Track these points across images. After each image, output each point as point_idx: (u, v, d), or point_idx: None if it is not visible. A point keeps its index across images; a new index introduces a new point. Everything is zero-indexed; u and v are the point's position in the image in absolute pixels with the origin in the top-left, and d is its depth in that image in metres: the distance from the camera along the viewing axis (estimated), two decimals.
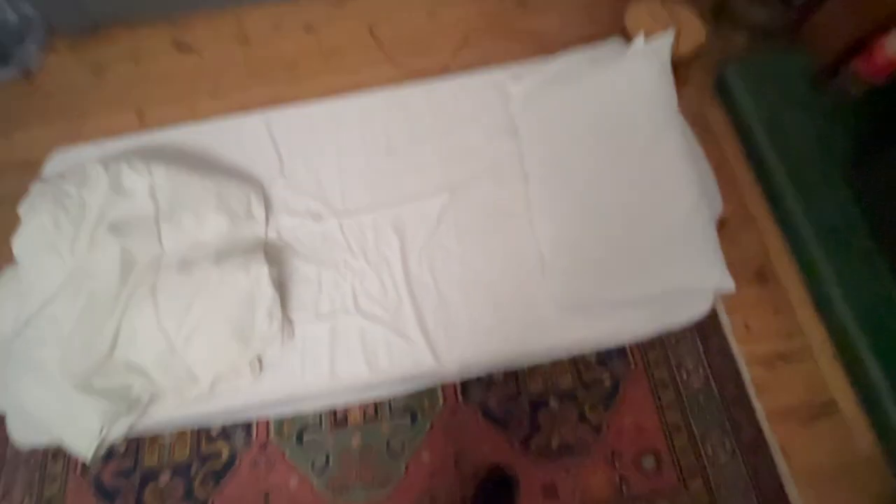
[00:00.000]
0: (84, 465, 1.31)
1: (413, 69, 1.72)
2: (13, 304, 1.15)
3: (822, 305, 1.38)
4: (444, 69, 1.72)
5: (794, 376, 1.32)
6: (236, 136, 1.45)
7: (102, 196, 1.17)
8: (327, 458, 1.28)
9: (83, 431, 1.06)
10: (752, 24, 1.66)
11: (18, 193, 1.64)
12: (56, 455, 1.33)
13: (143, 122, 1.71)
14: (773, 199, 1.51)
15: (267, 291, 1.15)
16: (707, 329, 1.36)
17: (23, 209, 1.15)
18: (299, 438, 1.30)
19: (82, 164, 1.23)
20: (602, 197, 1.15)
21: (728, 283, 1.05)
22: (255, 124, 1.46)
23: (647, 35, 1.21)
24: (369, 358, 1.17)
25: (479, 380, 1.34)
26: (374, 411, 1.32)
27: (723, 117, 1.65)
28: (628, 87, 1.15)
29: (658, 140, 1.11)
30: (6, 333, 1.14)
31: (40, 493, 1.29)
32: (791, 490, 1.21)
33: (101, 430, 1.05)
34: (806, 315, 1.38)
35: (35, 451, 1.34)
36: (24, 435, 1.16)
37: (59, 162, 1.45)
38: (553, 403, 1.30)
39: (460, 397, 1.32)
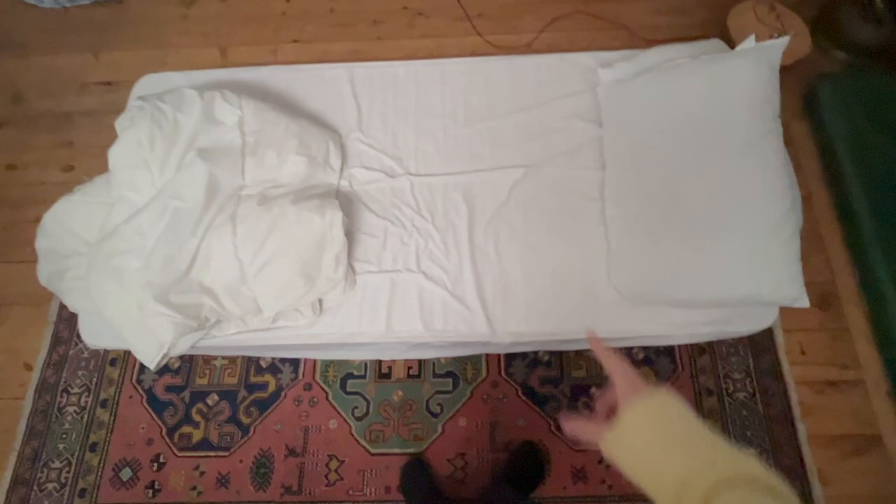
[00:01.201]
0: (139, 374, 1.39)
1: (497, 43, 1.71)
2: (101, 213, 1.21)
3: (884, 340, 1.34)
4: (527, 47, 1.70)
5: (843, 406, 1.30)
6: (318, 84, 1.47)
7: (195, 121, 1.21)
8: (368, 406, 1.32)
9: (153, 340, 1.12)
10: (855, 40, 1.59)
11: (100, 110, 1.71)
12: (115, 361, 1.41)
13: (226, 59, 1.75)
14: (848, 223, 1.46)
15: (338, 237, 1.18)
16: (760, 345, 1.34)
17: (121, 123, 1.20)
18: (343, 384, 1.35)
19: (177, 89, 1.27)
20: (684, 194, 1.14)
21: (803, 301, 1.04)
22: (337, 75, 1.48)
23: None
24: (425, 317, 1.20)
25: (523, 357, 1.35)
26: (418, 370, 1.35)
27: (806, 133, 1.59)
28: (731, 87, 1.12)
29: (755, 145, 1.08)
30: (92, 239, 1.20)
31: (97, 393, 1.37)
32: None
33: (172, 342, 1.10)
34: (865, 348, 1.35)
35: (96, 355, 1.42)
36: (94, 336, 1.23)
37: (147, 85, 1.50)
38: (594, 392, 1.31)
39: (503, 371, 1.34)
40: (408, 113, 1.41)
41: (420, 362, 1.36)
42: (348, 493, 1.25)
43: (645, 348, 1.34)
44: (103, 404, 1.36)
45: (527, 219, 1.27)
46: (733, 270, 1.05)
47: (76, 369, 1.41)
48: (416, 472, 1.26)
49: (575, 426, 0.50)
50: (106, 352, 1.41)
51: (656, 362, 1.34)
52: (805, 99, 1.62)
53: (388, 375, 1.35)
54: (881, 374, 1.33)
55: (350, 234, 1.27)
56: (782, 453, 1.25)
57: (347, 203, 1.31)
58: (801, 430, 1.27)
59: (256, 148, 1.23)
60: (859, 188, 1.45)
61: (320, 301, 1.22)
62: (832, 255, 1.45)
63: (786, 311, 1.16)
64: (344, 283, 1.20)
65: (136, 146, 1.16)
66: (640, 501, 1.26)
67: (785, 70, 1.44)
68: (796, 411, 1.28)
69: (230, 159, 1.20)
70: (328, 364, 1.37)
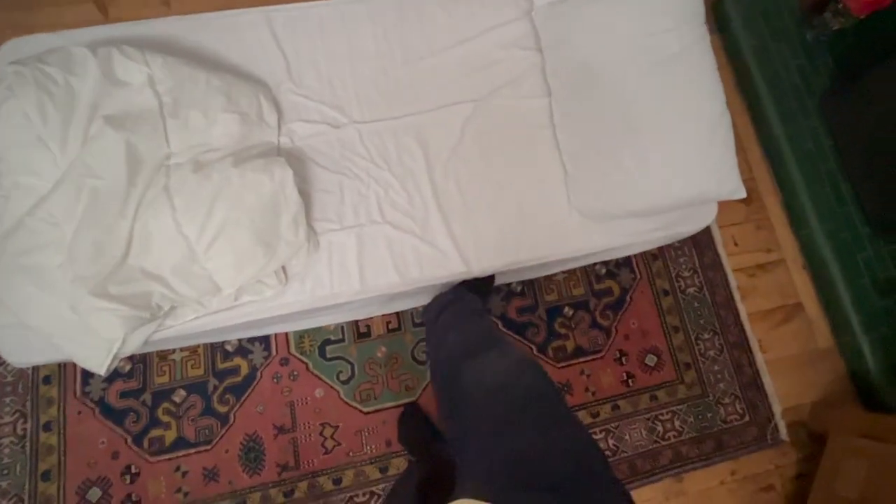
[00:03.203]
0: (83, 387, 1.23)
1: None
2: None
3: (797, 223, 1.54)
4: None
5: (770, 284, 1.49)
6: (231, 34, 1.30)
7: (94, 84, 1.02)
8: (353, 368, 1.29)
9: (99, 341, 0.98)
10: None
11: None
12: (49, 378, 1.23)
13: (107, 15, 1.49)
14: (760, 124, 1.62)
15: (292, 196, 1.09)
16: (702, 243, 1.48)
17: None
18: (321, 352, 1.30)
19: (59, 48, 1.06)
20: (628, 108, 1.18)
21: (741, 192, 1.14)
22: (253, 21, 1.31)
23: None
24: (399, 267, 1.17)
25: (497, 290, 1.38)
26: (397, 323, 1.33)
27: (717, 45, 1.72)
28: (658, 1, 1.16)
29: (687, 52, 1.14)
30: None
31: (36, 416, 1.20)
32: (765, 377, 1.40)
33: (122, 339, 0.98)
34: (783, 232, 1.54)
35: (22, 375, 1.23)
36: (20, 353, 1.06)
37: (12, 51, 1.23)
38: (567, 311, 1.38)
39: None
40: (341, 57, 1.31)
41: (398, 315, 1.34)
42: (348, 456, 1.24)
43: (605, 263, 1.43)
44: (47, 427, 1.20)
45: (483, 154, 1.26)
46: (682, 173, 1.13)
47: (1, 396, 1.21)
48: (412, 418, 1.26)
49: None
50: (35, 370, 1.23)
51: (618, 274, 1.43)
52: (714, 12, 1.73)
53: (367, 334, 1.32)
54: (797, 251, 1.53)
55: (304, 194, 1.18)
56: (729, 332, 1.42)
57: (294, 161, 1.21)
58: (742, 310, 1.44)
59: (177, 109, 1.08)
60: (766, 90, 1.60)
61: (284, 269, 1.14)
62: (749, 154, 1.61)
63: (719, 210, 1.28)
64: (307, 245, 1.13)
65: (23, 120, 0.97)
66: (619, 398, 1.36)
67: None
68: (736, 295, 1.45)
69: (148, 124, 1.04)
70: (302, 334, 1.30)
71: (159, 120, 1.06)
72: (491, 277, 1.28)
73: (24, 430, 1.19)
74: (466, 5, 1.38)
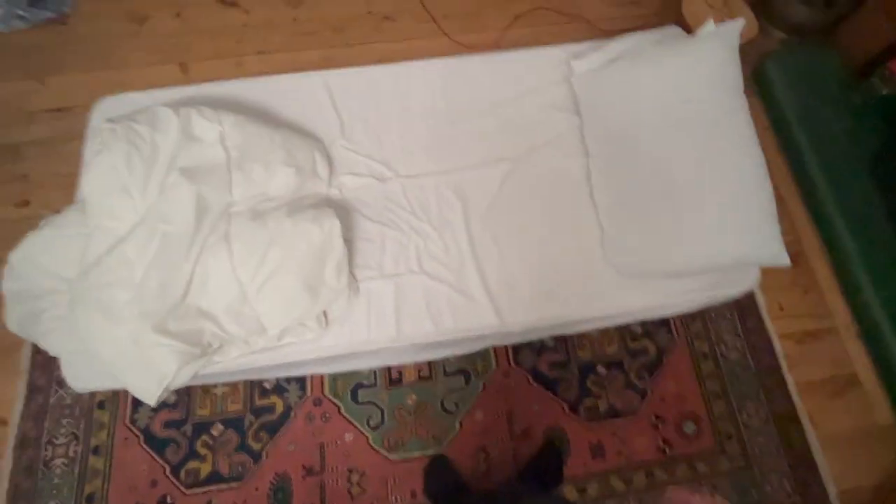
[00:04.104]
0: (133, 414, 1.30)
1: (464, 42, 1.74)
2: (76, 246, 1.13)
3: (849, 288, 1.47)
4: (494, 45, 1.74)
5: (821, 352, 1.41)
6: (294, 95, 1.44)
7: (174, 140, 1.15)
8: (382, 414, 1.30)
9: (154, 373, 1.05)
10: (791, 21, 1.74)
11: (53, 138, 1.60)
12: (103, 403, 1.31)
13: (188, 75, 1.68)
14: (805, 186, 1.59)
15: (338, 245, 1.16)
16: (744, 307, 1.44)
17: (91, 149, 1.13)
18: (354, 395, 1.32)
19: (148, 108, 1.20)
20: (666, 172, 1.20)
21: (783, 257, 1.12)
22: (313, 83, 1.45)
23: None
24: (434, 316, 1.20)
25: (530, 345, 1.38)
26: (429, 371, 1.35)
27: (758, 107, 1.72)
28: (698, 68, 1.20)
29: (726, 120, 1.16)
30: (69, 274, 1.12)
31: (87, 440, 1.28)
32: (818, 454, 1.30)
33: (175, 373, 1.05)
34: (833, 297, 1.48)
35: (80, 400, 1.32)
36: (81, 379, 1.15)
37: (107, 108, 1.41)
38: (601, 370, 1.36)
39: (512, 361, 1.37)
40: (390, 116, 1.41)
41: (430, 364, 1.36)
42: None
43: (643, 323, 1.41)
44: (95, 451, 1.27)
45: (521, 209, 1.30)
46: (719, 236, 1.12)
47: (59, 418, 1.30)
48: (439, 470, 1.25)
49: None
50: (92, 395, 1.32)
51: (655, 335, 1.40)
52: (754, 76, 1.75)
53: (398, 381, 1.34)
54: (850, 318, 1.46)
55: (348, 242, 1.25)
56: (776, 402, 1.35)
57: (341, 211, 1.29)
58: (790, 379, 1.37)
59: (242, 162, 1.19)
60: (811, 154, 1.58)
61: (325, 313, 1.19)
62: (794, 216, 1.57)
63: (763, 273, 1.25)
64: (348, 291, 1.18)
65: (112, 171, 1.10)
66: (654, 466, 1.31)
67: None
68: (783, 363, 1.38)
69: (216, 176, 1.16)
70: (336, 377, 1.34)
71: (226, 172, 1.17)
72: (560, 474, 1.26)
73: (76, 452, 1.27)
74: (510, 69, 1.47)
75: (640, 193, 1.24)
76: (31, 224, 1.20)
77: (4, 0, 1.61)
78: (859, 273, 1.44)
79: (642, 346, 1.39)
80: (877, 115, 1.61)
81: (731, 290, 1.26)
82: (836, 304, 1.47)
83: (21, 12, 1.66)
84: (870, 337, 1.42)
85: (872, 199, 1.52)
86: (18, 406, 1.31)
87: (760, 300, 1.45)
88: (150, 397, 1.08)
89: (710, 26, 1.24)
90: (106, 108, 1.42)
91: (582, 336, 1.39)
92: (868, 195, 1.52)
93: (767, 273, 1.36)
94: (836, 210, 1.50)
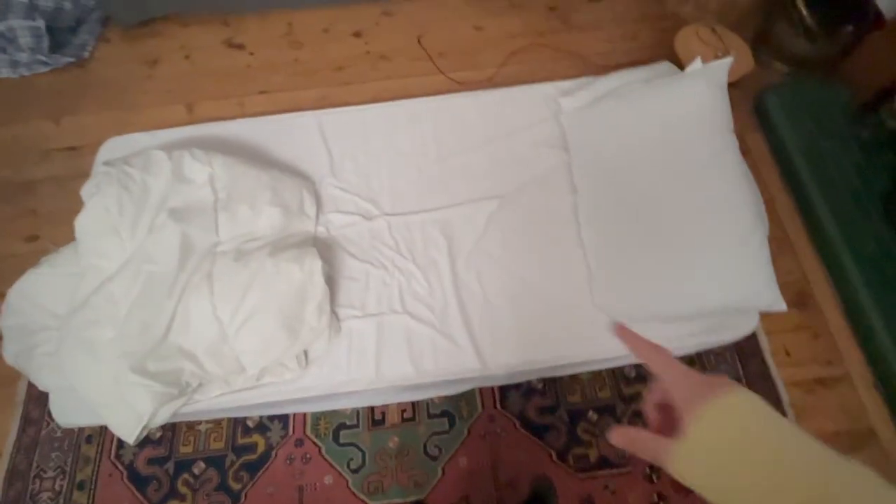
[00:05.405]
0: (118, 449, 1.31)
1: (459, 80, 1.76)
2: (70, 284, 1.17)
3: (862, 334, 1.38)
4: (489, 81, 1.76)
5: (833, 403, 1.32)
6: (288, 133, 1.48)
7: (165, 182, 1.19)
8: (364, 457, 1.27)
9: (132, 413, 1.06)
10: (793, 54, 1.70)
11: (63, 176, 1.68)
12: (91, 438, 1.33)
13: (193, 115, 1.75)
14: (813, 225, 1.52)
15: (319, 285, 1.16)
16: (746, 351, 1.36)
17: (87, 190, 1.18)
18: (336, 436, 1.30)
19: (143, 150, 1.26)
20: (654, 212, 1.17)
21: (780, 305, 1.06)
22: (307, 123, 1.49)
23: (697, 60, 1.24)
24: (415, 358, 1.18)
25: (517, 388, 1.34)
26: (412, 413, 1.32)
27: (761, 142, 1.67)
28: (685, 107, 1.18)
29: (715, 160, 1.13)
30: (62, 312, 1.15)
31: (73, 474, 1.29)
32: None
33: (151, 413, 1.05)
34: (845, 342, 1.38)
35: (70, 433, 1.34)
36: (67, 415, 1.17)
37: (113, 148, 1.48)
38: (592, 416, 1.30)
39: (498, 404, 1.32)
40: (379, 154, 1.43)
41: (413, 404, 1.33)
42: None
43: (636, 366, 1.35)
44: (80, 486, 1.28)
45: (506, 248, 1.28)
46: (709, 282, 1.08)
47: (49, 451, 1.32)
48: None
49: (626, 437, 0.40)
50: (81, 429, 1.33)
51: (649, 380, 1.33)
52: (755, 111, 1.71)
53: (381, 422, 1.31)
54: (864, 366, 1.36)
55: (331, 280, 1.25)
56: None
57: (326, 248, 1.30)
58: None
59: (229, 203, 1.22)
60: (818, 191, 1.52)
61: (305, 353, 1.19)
62: (801, 256, 1.50)
63: (766, 314, 1.18)
64: (328, 331, 1.18)
65: (103, 213, 1.14)
66: None
67: (733, 86, 1.52)
68: (790, 413, 1.29)
69: (203, 217, 1.19)
70: (319, 416, 1.32)
71: (213, 213, 1.20)
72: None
73: (61, 486, 1.28)
74: (499, 107, 1.48)
75: (628, 233, 1.20)
76: (37, 259, 1.25)
77: (28, 47, 1.73)
78: (872, 317, 1.35)
79: (636, 392, 1.32)
80: (887, 151, 1.54)
81: (728, 335, 1.20)
82: (849, 350, 1.38)
83: (43, 58, 1.77)
84: (887, 387, 1.32)
85: (884, 238, 1.44)
86: (12, 438, 1.34)
87: (764, 344, 1.37)
88: (129, 436, 1.09)
89: (697, 64, 1.22)
90: (112, 148, 1.49)
91: (572, 379, 1.34)
92: (880, 234, 1.44)
93: (772, 315, 1.29)
94: (845, 249, 1.42)
